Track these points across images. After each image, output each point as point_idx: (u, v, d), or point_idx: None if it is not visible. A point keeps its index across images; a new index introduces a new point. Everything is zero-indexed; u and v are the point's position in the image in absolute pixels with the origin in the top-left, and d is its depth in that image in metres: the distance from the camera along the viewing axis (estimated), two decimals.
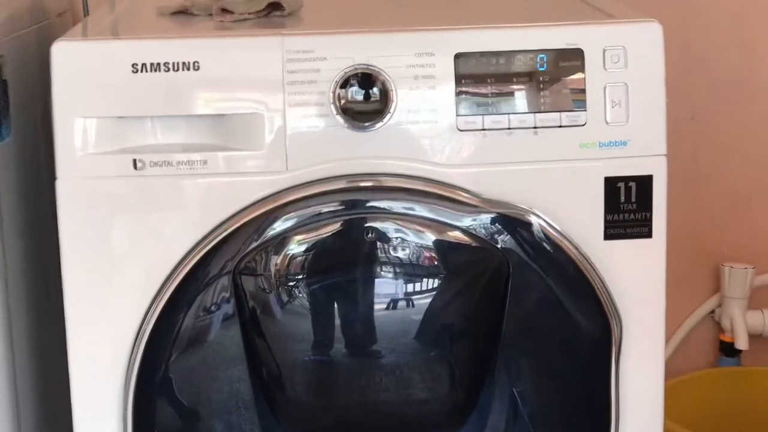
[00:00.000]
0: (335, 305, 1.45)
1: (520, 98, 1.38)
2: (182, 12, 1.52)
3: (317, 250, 1.40)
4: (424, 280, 1.44)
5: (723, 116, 2.10)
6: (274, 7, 1.49)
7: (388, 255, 1.41)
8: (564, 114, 1.38)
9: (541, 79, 1.38)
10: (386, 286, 1.44)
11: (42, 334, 1.56)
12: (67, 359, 1.40)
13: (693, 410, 2.00)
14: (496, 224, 1.39)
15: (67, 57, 1.35)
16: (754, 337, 2.11)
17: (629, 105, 1.39)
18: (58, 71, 1.34)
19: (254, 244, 1.38)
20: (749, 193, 2.13)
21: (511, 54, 1.38)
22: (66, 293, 1.38)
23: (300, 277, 1.42)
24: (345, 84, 1.36)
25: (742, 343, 2.09)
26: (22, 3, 1.59)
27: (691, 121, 2.08)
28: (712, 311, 2.16)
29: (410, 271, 1.43)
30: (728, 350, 2.13)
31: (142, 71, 1.34)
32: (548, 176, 1.40)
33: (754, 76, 2.10)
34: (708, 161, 2.11)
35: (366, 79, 1.36)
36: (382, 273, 1.43)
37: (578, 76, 1.39)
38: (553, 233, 1.40)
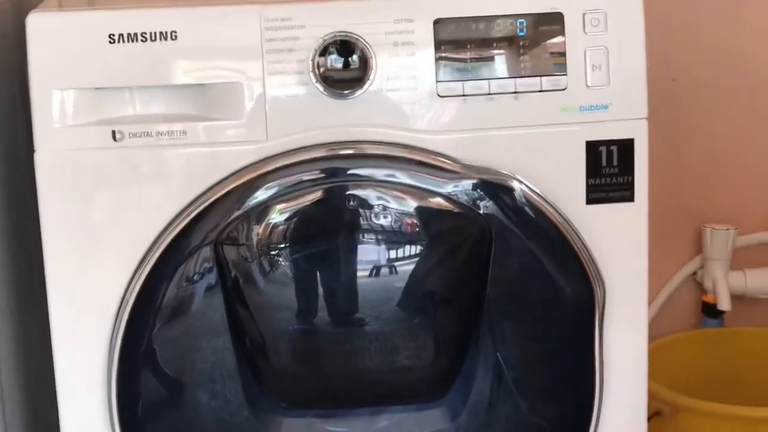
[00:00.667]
0: (318, 273, 1.45)
1: (500, 63, 1.38)
2: None
3: (299, 218, 1.40)
4: (407, 247, 1.44)
5: (705, 78, 2.10)
6: None
7: (369, 222, 1.41)
8: (544, 78, 1.38)
9: (520, 43, 1.38)
10: (369, 253, 1.44)
11: (23, 307, 1.55)
12: (49, 332, 1.39)
13: (677, 372, 2.01)
14: (478, 190, 1.39)
15: (42, 28, 1.34)
16: (736, 298, 2.11)
17: (610, 68, 1.38)
18: (33, 43, 1.33)
19: (236, 214, 1.37)
20: (731, 155, 2.13)
21: (490, 19, 1.37)
22: (47, 266, 1.38)
23: (282, 245, 1.41)
24: (324, 52, 1.35)
25: (724, 304, 2.09)
26: None
27: (673, 83, 2.08)
28: (695, 272, 2.16)
29: (392, 238, 1.43)
30: (711, 311, 2.13)
31: (119, 42, 1.33)
32: (530, 141, 1.39)
33: (736, 38, 2.10)
34: (690, 123, 2.11)
35: (345, 46, 1.35)
36: (365, 240, 1.43)
37: (558, 40, 1.38)
38: (535, 198, 1.40)
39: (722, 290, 2.09)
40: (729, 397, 1.89)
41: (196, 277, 1.39)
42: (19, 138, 1.52)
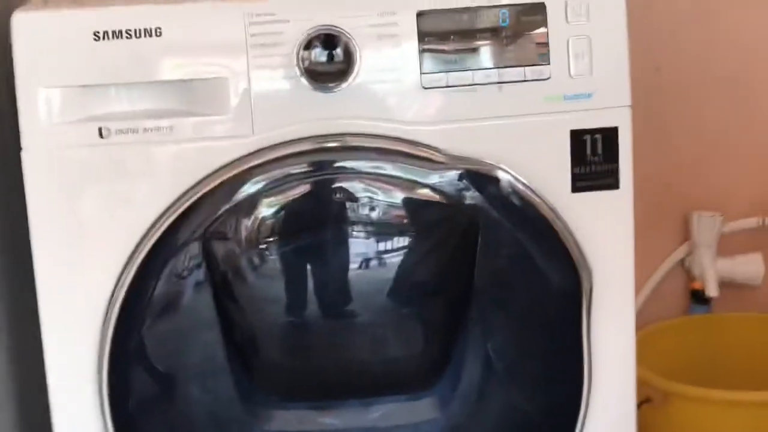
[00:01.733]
0: (307, 266, 1.46)
1: (484, 54, 1.39)
2: None
3: (287, 212, 1.40)
4: (395, 238, 1.45)
5: (689, 67, 2.11)
6: None
7: (357, 214, 1.42)
8: (528, 68, 1.39)
9: (504, 34, 1.38)
10: (357, 245, 1.45)
11: (15, 306, 1.56)
12: (40, 328, 1.40)
13: (666, 358, 2.02)
14: (464, 180, 1.40)
15: (27, 27, 1.34)
16: (723, 284, 2.12)
17: (593, 57, 1.39)
18: (19, 42, 1.34)
19: (224, 208, 1.38)
20: (716, 142, 2.14)
21: (473, 10, 1.38)
22: (36, 263, 1.38)
23: (270, 239, 1.42)
24: (308, 46, 1.36)
25: (712, 290, 2.10)
26: None
27: (657, 73, 2.09)
28: (682, 259, 2.17)
29: (380, 230, 1.43)
30: (699, 298, 2.14)
31: (104, 39, 1.34)
32: (514, 131, 1.40)
33: (718, 27, 2.10)
34: (675, 111, 2.12)
35: (329, 40, 1.36)
36: (353, 233, 1.44)
37: (541, 30, 1.39)
38: (521, 188, 1.40)
39: (710, 277, 2.10)
40: (717, 383, 1.89)
41: (185, 273, 1.40)
42: (6, 137, 1.52)
